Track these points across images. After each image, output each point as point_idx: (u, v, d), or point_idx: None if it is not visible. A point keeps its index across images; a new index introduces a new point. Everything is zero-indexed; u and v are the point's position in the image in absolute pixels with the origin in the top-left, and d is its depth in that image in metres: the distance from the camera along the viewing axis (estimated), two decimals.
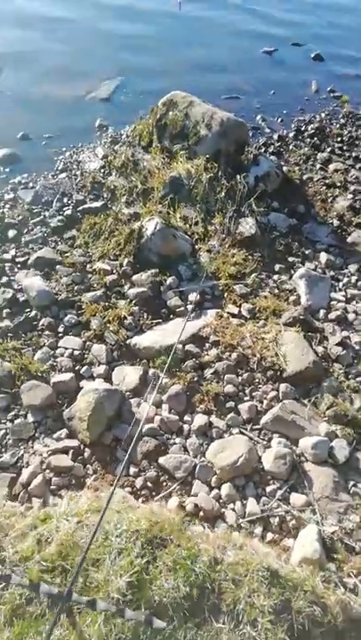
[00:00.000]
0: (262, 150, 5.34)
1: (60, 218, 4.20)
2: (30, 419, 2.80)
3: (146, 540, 1.81)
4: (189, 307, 3.46)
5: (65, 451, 2.62)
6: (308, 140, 5.70)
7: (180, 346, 3.11)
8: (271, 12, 8.39)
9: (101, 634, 1.56)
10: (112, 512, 1.94)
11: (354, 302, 3.73)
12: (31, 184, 4.63)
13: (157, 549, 1.80)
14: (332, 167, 5.26)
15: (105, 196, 4.49)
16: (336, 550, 2.19)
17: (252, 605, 1.69)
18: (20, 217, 4.23)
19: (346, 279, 3.93)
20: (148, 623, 1.39)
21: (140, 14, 7.82)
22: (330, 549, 2.20)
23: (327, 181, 5.04)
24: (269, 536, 2.30)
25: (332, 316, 3.56)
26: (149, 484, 2.50)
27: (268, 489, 2.50)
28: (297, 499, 2.44)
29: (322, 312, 3.59)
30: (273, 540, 2.28)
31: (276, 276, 3.85)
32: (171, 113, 4.81)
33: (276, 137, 5.70)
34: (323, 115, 6.24)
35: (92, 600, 1.41)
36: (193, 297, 3.51)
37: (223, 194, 4.29)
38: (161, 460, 2.57)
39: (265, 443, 2.71)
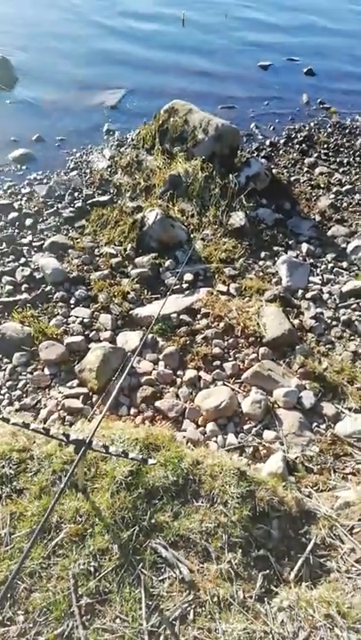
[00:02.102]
0: (254, 154, 5.89)
1: (72, 209, 4.73)
2: (47, 371, 3.30)
3: (143, 445, 2.31)
4: (184, 285, 3.98)
5: (76, 396, 3.12)
6: (297, 146, 6.25)
7: (176, 315, 3.62)
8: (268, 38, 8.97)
9: (109, 503, 2.05)
10: (117, 428, 2.44)
11: (329, 285, 4.24)
12: (45, 180, 5.16)
13: (152, 452, 2.30)
14: (317, 170, 5.80)
15: (111, 191, 5.03)
16: (297, 470, 2.68)
17: (224, 492, 2.19)
18: (36, 208, 4.76)
19: (323, 266, 4.44)
20: (145, 461, 1.88)
21: (145, 33, 8.44)
22: (292, 470, 2.69)
23: (312, 183, 5.58)
24: (244, 461, 2.79)
25: (309, 295, 4.07)
26: (147, 422, 3.00)
27: (245, 427, 3.00)
28: (268, 434, 2.94)
29: (300, 292, 4.10)
30: (247, 464, 2.76)
31: (261, 262, 4.37)
32: (172, 119, 5.36)
33: (267, 143, 6.25)
34: (312, 124, 6.78)
35: (106, 445, 1.90)
36: (187, 277, 4.03)
37: (217, 191, 4.81)
38: (157, 403, 3.07)
39: (244, 393, 3.21)
